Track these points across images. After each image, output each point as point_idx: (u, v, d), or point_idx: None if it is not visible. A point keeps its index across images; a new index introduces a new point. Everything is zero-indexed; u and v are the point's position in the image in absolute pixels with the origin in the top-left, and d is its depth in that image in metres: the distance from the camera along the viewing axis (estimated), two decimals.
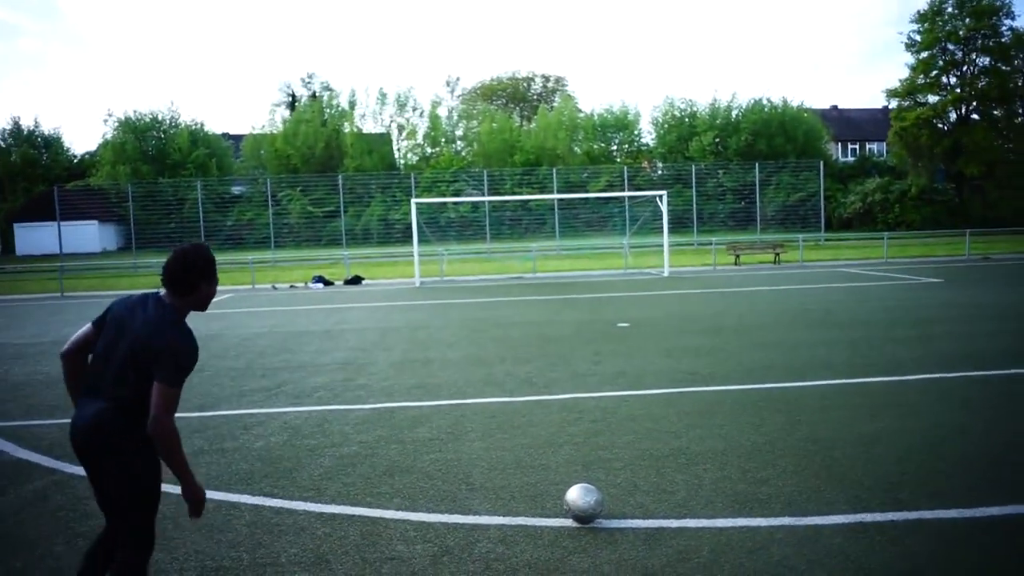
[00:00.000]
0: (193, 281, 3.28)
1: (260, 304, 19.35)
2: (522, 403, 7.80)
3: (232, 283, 27.16)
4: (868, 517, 4.66)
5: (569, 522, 4.68)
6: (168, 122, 54.04)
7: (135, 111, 53.75)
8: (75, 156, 60.71)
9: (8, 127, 57.10)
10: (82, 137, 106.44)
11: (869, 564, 4.06)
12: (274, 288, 24.67)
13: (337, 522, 4.83)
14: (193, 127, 53.96)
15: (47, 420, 7.77)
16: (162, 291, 3.36)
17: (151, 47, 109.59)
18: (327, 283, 25.25)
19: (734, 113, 53.21)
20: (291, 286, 25.25)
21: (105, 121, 71.69)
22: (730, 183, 48.74)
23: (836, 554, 4.19)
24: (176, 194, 46.99)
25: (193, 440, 6.68)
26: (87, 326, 3.47)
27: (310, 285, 25.14)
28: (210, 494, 5.26)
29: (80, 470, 6.04)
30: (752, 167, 46.80)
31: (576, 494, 4.65)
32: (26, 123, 57.56)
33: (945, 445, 6.02)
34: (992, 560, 4.10)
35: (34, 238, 48.15)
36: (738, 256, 29.41)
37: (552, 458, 5.98)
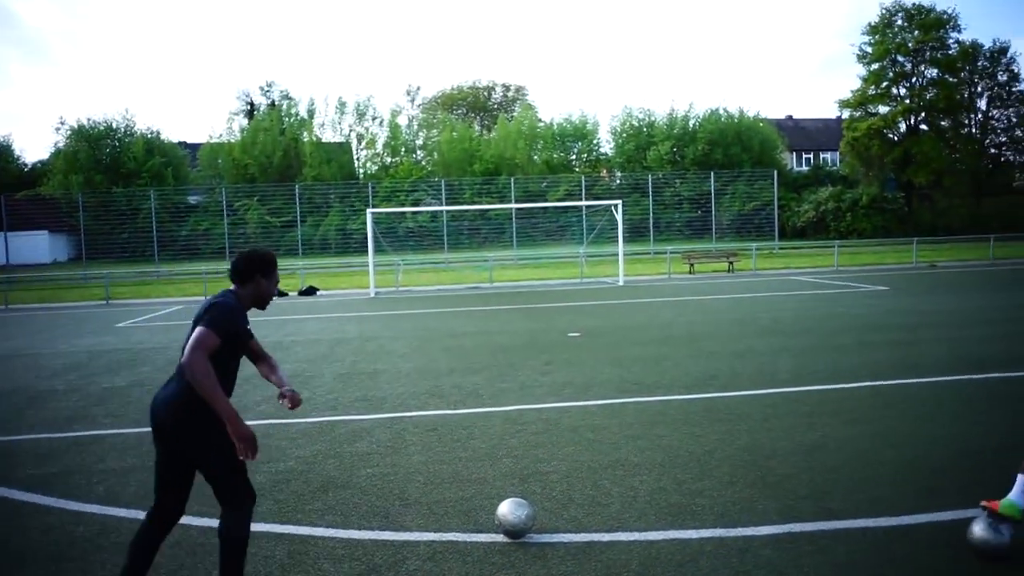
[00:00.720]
0: (251, 272, 3.78)
1: None
2: (465, 415, 7.75)
3: (184, 295, 26.74)
4: (798, 527, 4.68)
5: (500, 537, 4.64)
6: (123, 130, 52.60)
7: (89, 119, 52.30)
8: (26, 165, 59.24)
9: None
10: (34, 146, 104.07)
11: (796, 574, 4.08)
12: None
13: (264, 541, 4.73)
14: (149, 136, 52.71)
15: None
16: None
17: (106, 54, 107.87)
18: (281, 294, 24.93)
19: (691, 123, 53.74)
20: None
21: (57, 129, 70.33)
22: (686, 192, 49.24)
23: (763, 565, 4.20)
24: (130, 204, 46.12)
25: (125, 457, 6.52)
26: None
27: None
28: (136, 514, 5.13)
29: (4, 491, 5.87)
30: (708, 176, 47.35)
31: (507, 508, 4.61)
32: None
33: (882, 452, 6.09)
34: (918, 567, 4.13)
35: None
36: (692, 265, 29.70)
37: (490, 471, 5.93)
